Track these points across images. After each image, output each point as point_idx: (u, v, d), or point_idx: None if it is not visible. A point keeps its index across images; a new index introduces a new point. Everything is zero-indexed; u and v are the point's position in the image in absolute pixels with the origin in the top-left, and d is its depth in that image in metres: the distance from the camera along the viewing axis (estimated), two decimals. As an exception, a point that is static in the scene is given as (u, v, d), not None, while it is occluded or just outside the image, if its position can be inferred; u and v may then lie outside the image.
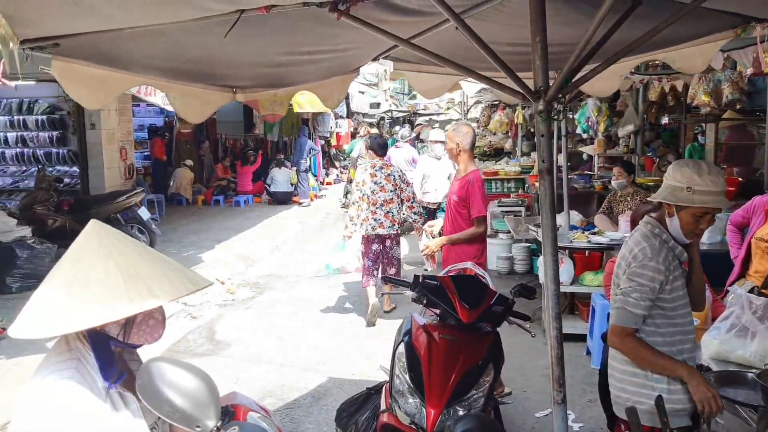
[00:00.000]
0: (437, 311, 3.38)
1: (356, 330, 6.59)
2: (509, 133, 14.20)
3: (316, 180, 17.06)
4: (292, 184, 14.99)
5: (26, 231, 8.10)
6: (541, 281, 5.98)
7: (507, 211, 9.10)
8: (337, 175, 19.89)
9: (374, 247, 6.78)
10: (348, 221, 6.89)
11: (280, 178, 14.84)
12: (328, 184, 18.55)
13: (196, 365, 1.84)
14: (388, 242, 6.80)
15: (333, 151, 21.23)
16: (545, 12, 2.12)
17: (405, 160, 10.78)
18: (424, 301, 3.27)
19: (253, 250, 10.33)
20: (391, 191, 6.70)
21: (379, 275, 6.72)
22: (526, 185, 10.25)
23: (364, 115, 24.93)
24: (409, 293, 3.30)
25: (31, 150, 12.70)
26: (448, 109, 28.55)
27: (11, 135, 12.71)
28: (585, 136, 11.62)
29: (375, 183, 6.69)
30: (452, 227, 4.97)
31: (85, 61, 2.45)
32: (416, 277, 3.28)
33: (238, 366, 5.66)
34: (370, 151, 6.99)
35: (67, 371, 1.68)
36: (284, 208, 14.34)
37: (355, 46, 2.86)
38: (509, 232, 8.36)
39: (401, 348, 3.18)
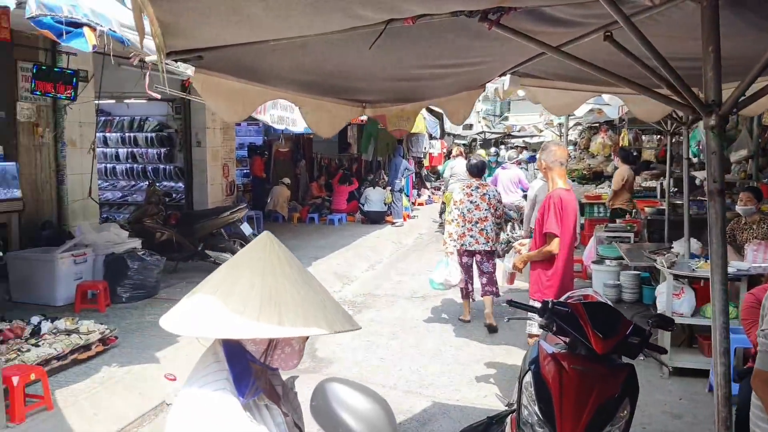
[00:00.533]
0: (565, 339, 3.19)
1: (457, 354, 6.42)
2: (611, 156, 13.70)
3: (409, 200, 17.03)
4: (385, 204, 15.00)
5: (137, 243, 8.40)
6: (659, 311, 5.65)
7: (614, 237, 8.73)
8: (429, 196, 19.81)
9: (470, 260, 7.32)
10: (447, 237, 7.38)
11: (374, 197, 14.89)
12: (420, 204, 18.49)
13: (371, 388, 1.77)
14: (478, 257, 7.29)
15: (425, 171, 21.22)
16: (719, 21, 1.95)
17: (511, 181, 10.75)
18: (554, 329, 3.09)
19: (348, 268, 10.35)
20: (485, 210, 7.14)
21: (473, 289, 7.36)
22: (634, 211, 9.82)
23: (455, 136, 24.80)
24: (538, 319, 3.14)
25: (141, 166, 13.30)
26: (542, 131, 28.02)
27: (122, 151, 13.36)
28: (695, 160, 11.07)
29: (471, 202, 7.17)
30: (534, 246, 5.12)
31: (225, 75, 2.46)
32: (545, 302, 3.12)
33: (341, 385, 5.61)
34: (468, 171, 7.64)
35: (221, 382, 1.64)
36: (377, 227, 14.35)
37: (491, 59, 2.76)
38: (617, 258, 8.01)
39: (528, 377, 3.02)
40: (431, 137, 18.39)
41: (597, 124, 16.05)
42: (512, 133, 26.11)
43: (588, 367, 3.00)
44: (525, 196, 10.88)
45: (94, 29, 3.98)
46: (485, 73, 3.14)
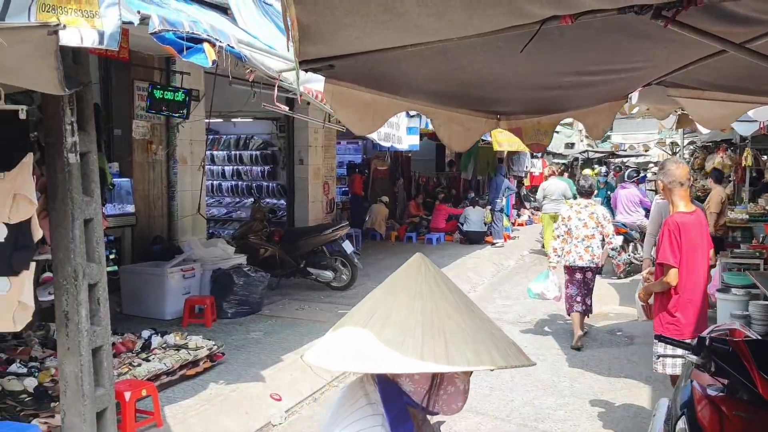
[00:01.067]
0: (723, 381, 2.81)
1: (573, 386, 6.01)
2: (731, 177, 12.80)
3: (509, 220, 16.58)
4: (485, 224, 14.64)
5: (242, 259, 8.47)
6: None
7: (740, 264, 8.05)
8: (529, 216, 19.24)
9: (577, 276, 7.35)
10: (552, 252, 7.56)
11: (474, 217, 14.55)
12: (519, 224, 17.97)
13: None
14: (588, 274, 7.36)
15: (524, 191, 20.66)
16: None
17: (631, 201, 10.38)
18: (712, 368, 2.72)
19: (450, 289, 10.06)
20: (593, 228, 7.28)
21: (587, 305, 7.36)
22: (763, 236, 9.05)
23: (555, 155, 24.07)
24: (693, 358, 2.77)
25: (245, 183, 13.57)
26: (648, 150, 26.84)
27: (228, 168, 13.68)
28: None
29: (579, 219, 7.33)
30: (655, 276, 4.75)
31: (356, 85, 2.29)
32: (701, 339, 2.75)
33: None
34: (578, 191, 8.14)
35: (377, 429, 1.40)
36: (477, 247, 14.00)
37: (649, 63, 2.46)
38: (744, 287, 7.37)
39: (682, 423, 2.67)
40: (532, 156, 17.89)
41: (711, 143, 15.11)
42: (618, 152, 25.01)
43: (752, 413, 2.62)
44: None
45: (213, 45, 3.95)
46: (635, 81, 2.83)
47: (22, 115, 3.73)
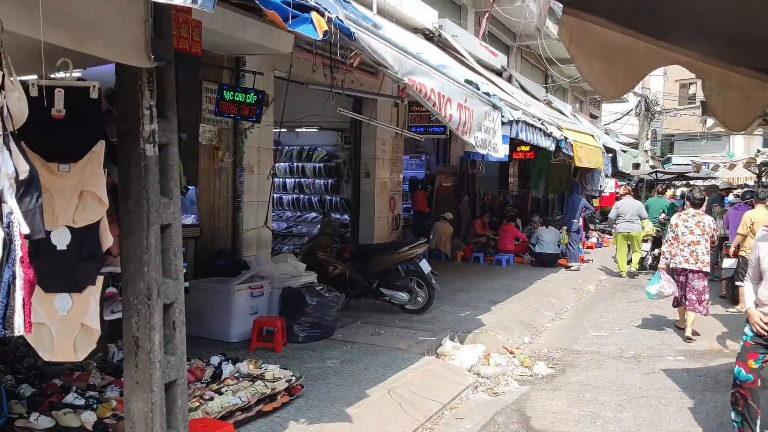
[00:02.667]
0: None
1: (713, 439, 5.06)
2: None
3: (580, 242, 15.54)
4: (559, 245, 13.65)
5: (313, 277, 7.73)
6: None
7: None
8: (598, 238, 18.14)
9: (680, 278, 8.10)
10: (661, 255, 8.49)
11: (548, 238, 13.58)
12: (589, 247, 16.88)
13: None
14: (690, 275, 7.98)
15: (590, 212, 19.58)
16: None
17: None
18: None
19: (533, 316, 9.15)
20: (699, 235, 7.98)
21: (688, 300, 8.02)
22: None
23: (622, 175, 22.92)
24: None
25: (307, 197, 12.91)
26: (717, 168, 25.46)
27: (290, 181, 13.06)
28: None
29: (686, 227, 8.06)
30: None
31: (605, 20, 1.50)
32: None
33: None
34: (687, 201, 9.08)
35: None
36: (551, 270, 13.02)
37: None
38: None
39: None
40: (607, 175, 16.85)
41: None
42: (686, 174, 23.75)
43: None
44: None
45: (322, 14, 3.22)
46: None
47: (94, 94, 3.04)
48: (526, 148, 14.90)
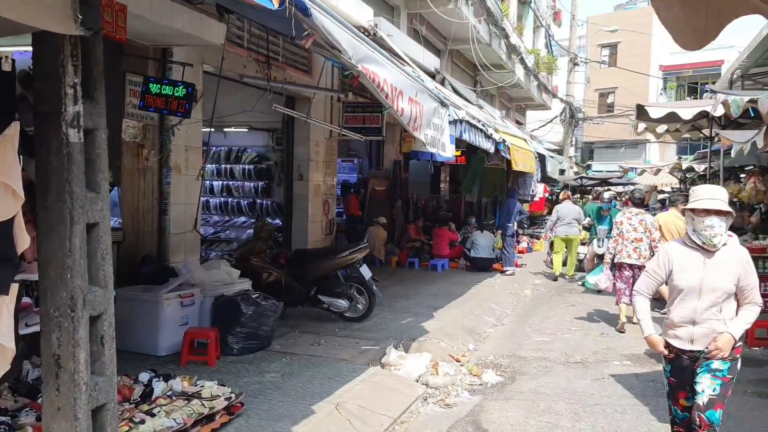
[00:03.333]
0: None
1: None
2: (762, 204, 11.98)
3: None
4: (493, 250, 13.57)
5: (248, 284, 7.25)
6: None
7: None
8: (528, 243, 18.25)
9: (625, 273, 8.60)
10: (606, 252, 9.15)
11: (483, 242, 13.48)
12: (521, 251, 16.92)
13: None
14: (635, 271, 8.38)
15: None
16: None
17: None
18: None
19: (475, 322, 8.94)
20: (641, 232, 8.52)
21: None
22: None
23: (550, 180, 23.30)
24: None
25: (236, 200, 12.32)
26: (643, 173, 25.92)
27: (217, 184, 12.44)
28: None
29: (630, 224, 8.59)
30: None
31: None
32: None
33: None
34: (629, 202, 9.46)
35: None
36: (486, 275, 12.91)
37: None
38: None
39: None
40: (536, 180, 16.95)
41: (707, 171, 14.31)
42: (609, 180, 24.35)
43: None
44: None
45: (277, -17, 2.83)
46: None
47: (6, 66, 2.53)
48: (458, 153, 14.80)
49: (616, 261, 8.65)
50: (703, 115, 9.41)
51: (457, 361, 7.07)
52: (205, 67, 8.08)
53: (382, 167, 15.21)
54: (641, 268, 8.04)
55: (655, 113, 9.45)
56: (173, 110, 6.88)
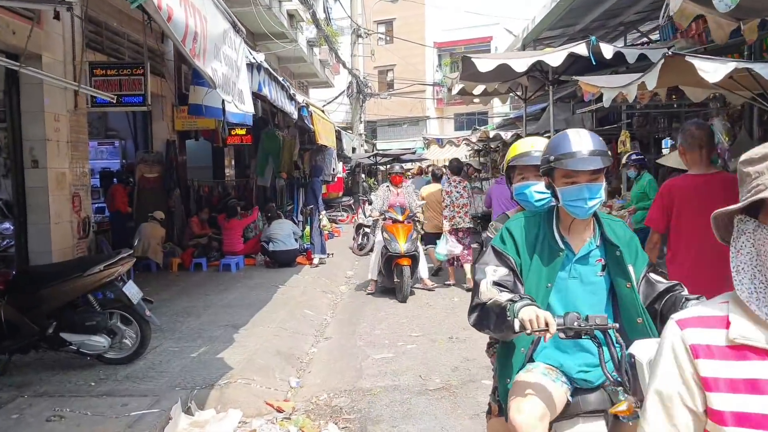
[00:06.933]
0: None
1: None
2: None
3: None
4: (297, 240, 11.48)
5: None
6: None
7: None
8: (329, 230, 16.42)
9: (460, 235, 9.27)
10: (444, 220, 9.35)
11: (283, 232, 11.31)
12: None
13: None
14: (464, 233, 9.31)
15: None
16: None
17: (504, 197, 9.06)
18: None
19: (290, 341, 6.80)
20: (466, 198, 9.34)
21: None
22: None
23: (344, 158, 21.76)
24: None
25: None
26: (444, 145, 25.43)
27: None
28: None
29: (457, 192, 9.27)
30: None
31: None
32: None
33: None
34: (449, 170, 10.16)
35: None
36: (291, 271, 10.80)
37: None
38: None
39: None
40: (340, 158, 15.10)
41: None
42: (402, 156, 23.45)
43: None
44: None
45: None
46: None
47: None
48: (242, 131, 12.43)
49: (451, 227, 9.20)
50: (536, 68, 8.16)
51: (279, 411, 4.91)
52: None
53: (152, 150, 12.27)
54: (469, 230, 9.40)
55: (484, 66, 7.95)
56: None
